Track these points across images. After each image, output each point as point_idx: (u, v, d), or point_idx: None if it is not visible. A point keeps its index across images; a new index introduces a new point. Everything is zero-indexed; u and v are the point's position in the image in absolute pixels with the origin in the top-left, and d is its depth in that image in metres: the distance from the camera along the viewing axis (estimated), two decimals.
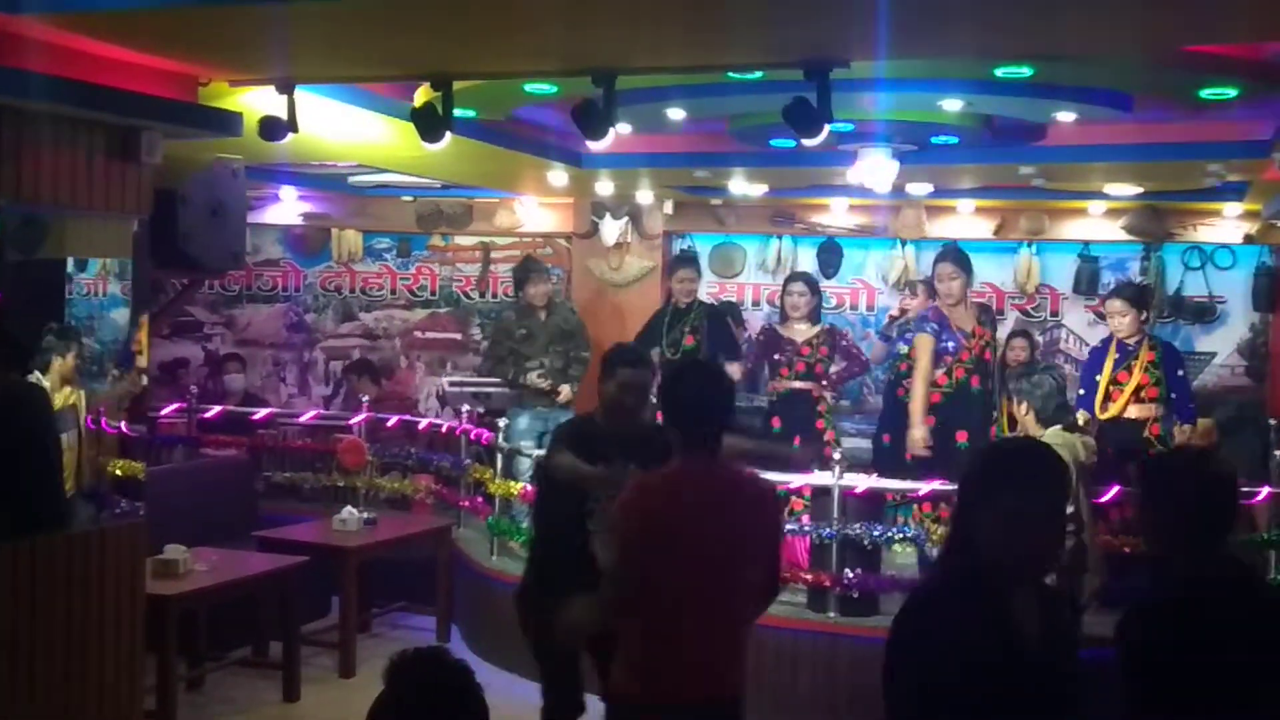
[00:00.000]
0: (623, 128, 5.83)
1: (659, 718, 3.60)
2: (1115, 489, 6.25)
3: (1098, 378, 7.03)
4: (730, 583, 3.61)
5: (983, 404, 7.02)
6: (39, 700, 4.73)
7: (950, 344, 7.13)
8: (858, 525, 6.25)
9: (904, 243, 9.61)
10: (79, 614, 4.90)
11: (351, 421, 8.69)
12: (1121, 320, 6.99)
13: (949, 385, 7.07)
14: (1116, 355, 7.03)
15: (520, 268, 8.79)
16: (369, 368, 10.16)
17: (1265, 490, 6.62)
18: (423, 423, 8.83)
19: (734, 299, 9.86)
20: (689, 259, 8.90)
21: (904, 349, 7.74)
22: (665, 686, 3.59)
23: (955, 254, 7.27)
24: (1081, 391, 7.21)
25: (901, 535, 6.37)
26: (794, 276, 8.01)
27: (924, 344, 7.03)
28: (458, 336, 10.72)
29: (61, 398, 5.42)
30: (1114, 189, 8.23)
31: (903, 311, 8.51)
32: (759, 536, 3.71)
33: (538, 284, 8.33)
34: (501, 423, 7.67)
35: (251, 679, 6.67)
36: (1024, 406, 5.46)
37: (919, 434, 6.94)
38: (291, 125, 5.09)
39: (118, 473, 5.67)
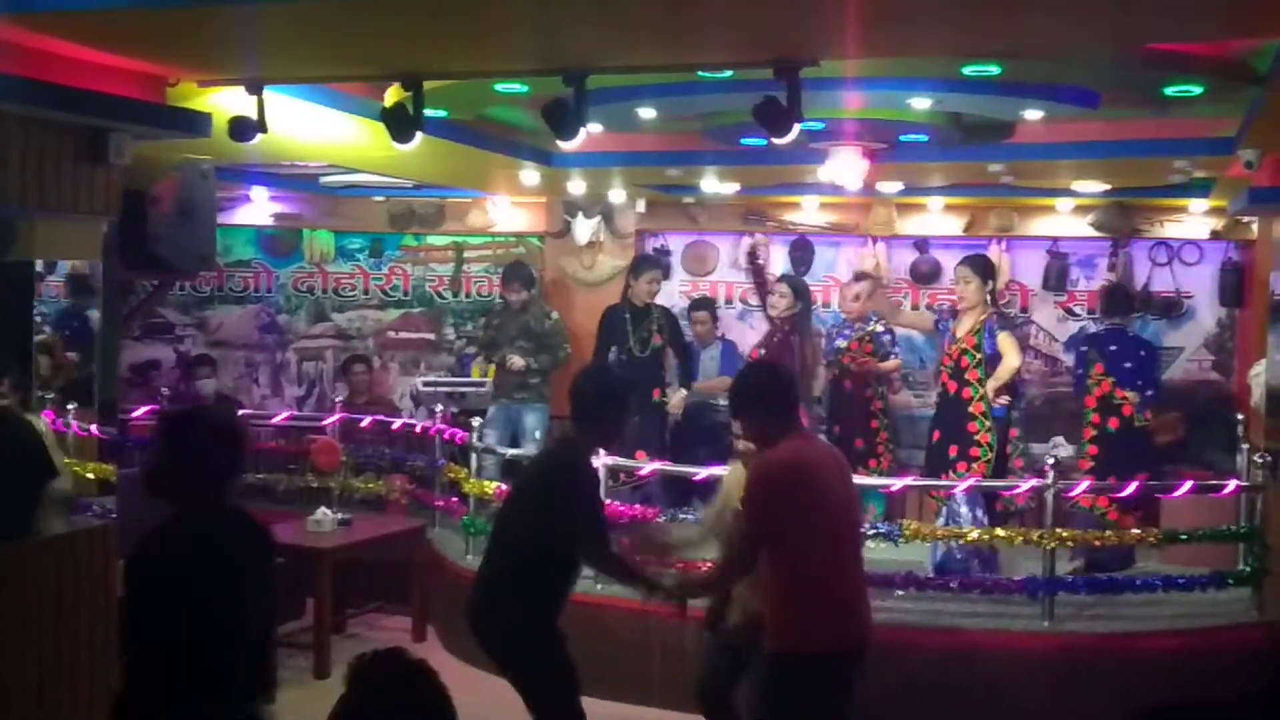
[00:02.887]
0: (594, 127, 5.84)
1: (822, 664, 4.20)
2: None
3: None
4: (854, 536, 4.43)
5: (957, 409, 7.07)
6: (10, 704, 4.71)
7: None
8: None
9: (875, 240, 9.66)
10: (51, 618, 4.87)
11: (325, 422, 8.66)
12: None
13: (940, 390, 7.19)
14: None
15: (505, 270, 9.06)
16: (364, 359, 10.22)
17: (1233, 484, 6.69)
18: (396, 423, 8.81)
19: (709, 295, 9.88)
20: (655, 261, 8.86)
21: (842, 344, 7.84)
22: (823, 636, 4.21)
23: (971, 259, 7.29)
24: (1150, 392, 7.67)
25: (875, 530, 6.40)
26: (780, 277, 8.14)
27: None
28: (431, 336, 10.70)
29: None
30: (1082, 186, 8.30)
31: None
32: (855, 495, 4.59)
33: (511, 289, 8.72)
34: (475, 422, 7.67)
35: None
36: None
37: None
38: (261, 126, 5.07)
39: (89, 475, 5.64)
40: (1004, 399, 7.02)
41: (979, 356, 6.93)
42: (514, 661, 4.68)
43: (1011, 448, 7.35)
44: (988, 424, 6.94)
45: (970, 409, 6.97)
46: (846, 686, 4.33)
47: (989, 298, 7.16)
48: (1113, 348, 7.73)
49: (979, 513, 6.74)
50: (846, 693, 4.34)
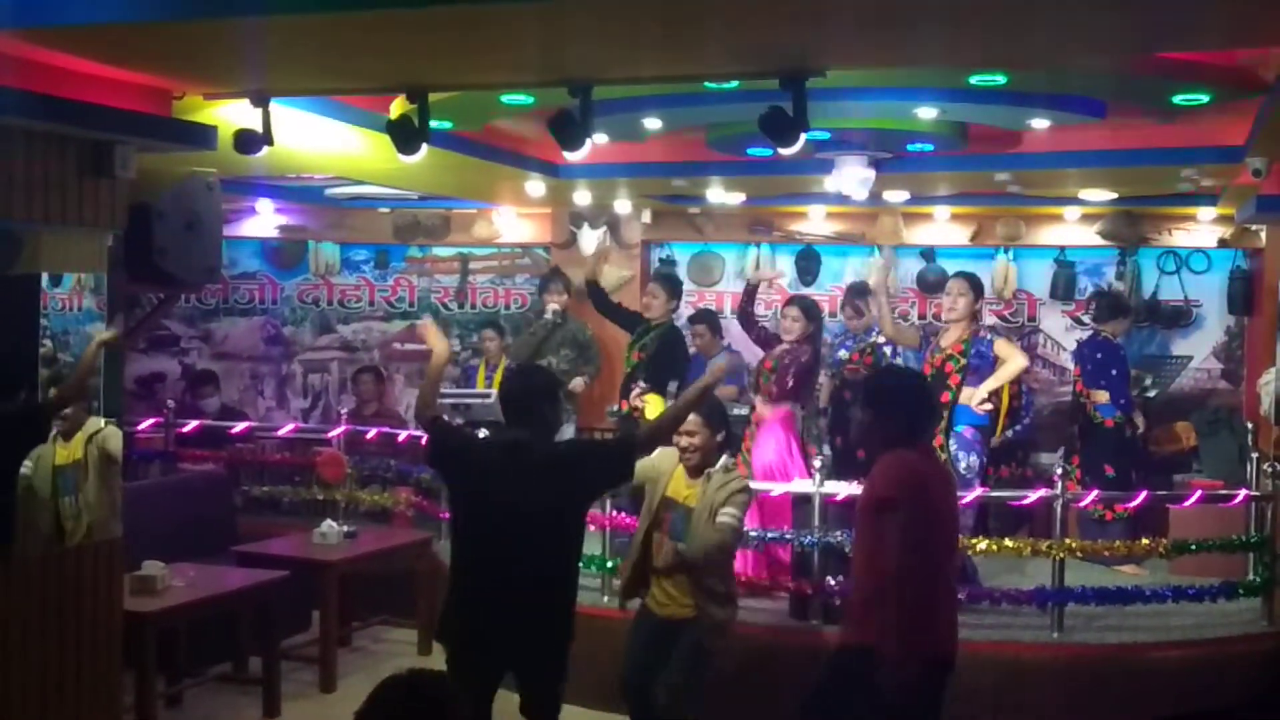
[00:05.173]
0: (599, 138, 5.83)
1: (923, 669, 4.25)
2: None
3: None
4: (955, 551, 4.54)
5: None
6: (15, 717, 4.70)
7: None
8: (839, 532, 6.27)
9: (881, 249, 9.65)
10: (56, 632, 4.86)
11: (330, 434, 8.64)
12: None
13: None
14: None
15: (543, 277, 9.17)
16: (375, 370, 10.15)
17: (1243, 493, 6.66)
18: (402, 435, 8.79)
19: (713, 308, 9.84)
20: (663, 276, 8.70)
21: (844, 355, 7.79)
22: (929, 642, 4.28)
23: (967, 274, 7.15)
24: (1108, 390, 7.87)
25: None
26: (790, 300, 7.88)
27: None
28: None
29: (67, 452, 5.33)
30: (1089, 194, 8.29)
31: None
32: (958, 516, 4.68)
33: (552, 293, 8.71)
34: (482, 433, 7.63)
35: (231, 695, 6.62)
36: None
37: None
38: (267, 138, 5.06)
39: None
40: (987, 406, 6.87)
41: (963, 363, 6.84)
42: (561, 661, 4.68)
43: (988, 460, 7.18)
44: (949, 430, 6.83)
45: (942, 415, 6.86)
46: (936, 693, 4.42)
47: (976, 314, 7.06)
48: (1084, 351, 8.18)
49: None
50: (934, 700, 4.42)
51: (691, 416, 5.11)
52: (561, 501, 4.61)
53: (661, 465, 5.27)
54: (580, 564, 4.81)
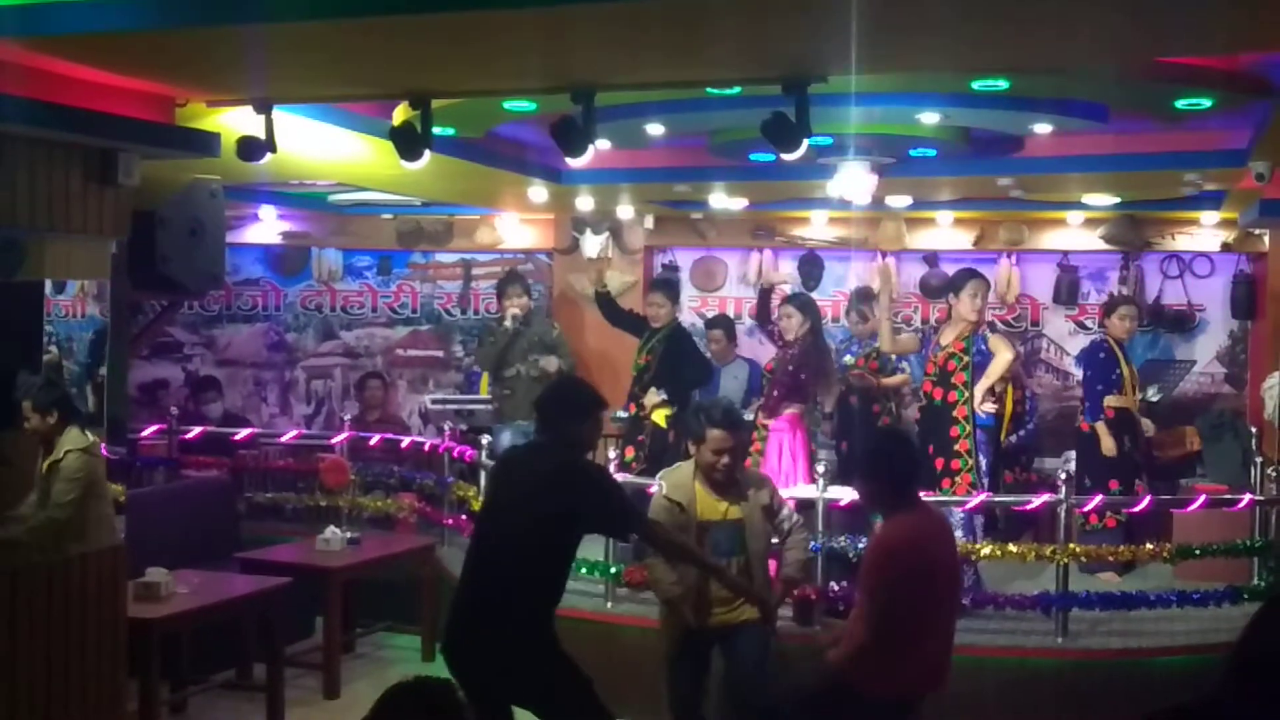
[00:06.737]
0: (602, 143, 5.83)
1: (905, 707, 4.51)
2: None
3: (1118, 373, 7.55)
4: (953, 600, 4.71)
5: (940, 415, 6.85)
6: None
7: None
8: (842, 538, 6.27)
9: (884, 254, 9.64)
10: (60, 638, 4.86)
11: (333, 441, 8.65)
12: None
13: (924, 399, 7.08)
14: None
15: (499, 281, 8.89)
16: (381, 376, 10.19)
17: (1247, 497, 6.65)
18: (405, 441, 8.79)
19: (723, 314, 9.81)
20: (661, 282, 8.62)
21: (849, 360, 7.78)
22: (914, 686, 4.51)
23: (981, 274, 7.10)
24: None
25: None
26: (785, 299, 7.83)
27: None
28: (440, 354, 10.70)
29: None
30: (1092, 199, 8.28)
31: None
32: (957, 565, 4.87)
33: (510, 297, 8.46)
34: (484, 440, 7.65)
35: (235, 702, 6.61)
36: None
37: None
38: (270, 145, 5.07)
39: None
40: (990, 406, 6.84)
41: (966, 360, 6.80)
42: (534, 684, 4.48)
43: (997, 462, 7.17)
44: (968, 429, 6.73)
45: (954, 413, 6.78)
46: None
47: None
48: (1086, 355, 8.05)
49: (973, 539, 6.61)
50: None
51: (720, 433, 5.05)
52: (553, 515, 4.43)
53: (682, 497, 5.15)
54: (559, 589, 4.56)
